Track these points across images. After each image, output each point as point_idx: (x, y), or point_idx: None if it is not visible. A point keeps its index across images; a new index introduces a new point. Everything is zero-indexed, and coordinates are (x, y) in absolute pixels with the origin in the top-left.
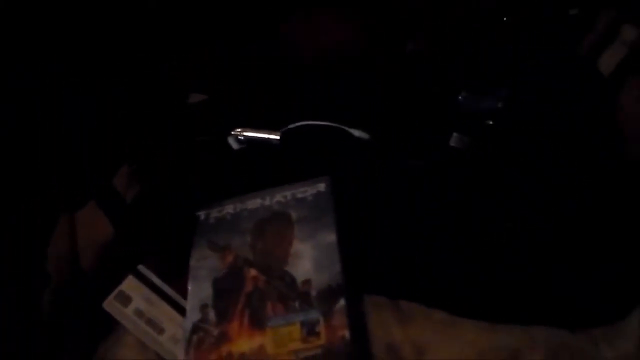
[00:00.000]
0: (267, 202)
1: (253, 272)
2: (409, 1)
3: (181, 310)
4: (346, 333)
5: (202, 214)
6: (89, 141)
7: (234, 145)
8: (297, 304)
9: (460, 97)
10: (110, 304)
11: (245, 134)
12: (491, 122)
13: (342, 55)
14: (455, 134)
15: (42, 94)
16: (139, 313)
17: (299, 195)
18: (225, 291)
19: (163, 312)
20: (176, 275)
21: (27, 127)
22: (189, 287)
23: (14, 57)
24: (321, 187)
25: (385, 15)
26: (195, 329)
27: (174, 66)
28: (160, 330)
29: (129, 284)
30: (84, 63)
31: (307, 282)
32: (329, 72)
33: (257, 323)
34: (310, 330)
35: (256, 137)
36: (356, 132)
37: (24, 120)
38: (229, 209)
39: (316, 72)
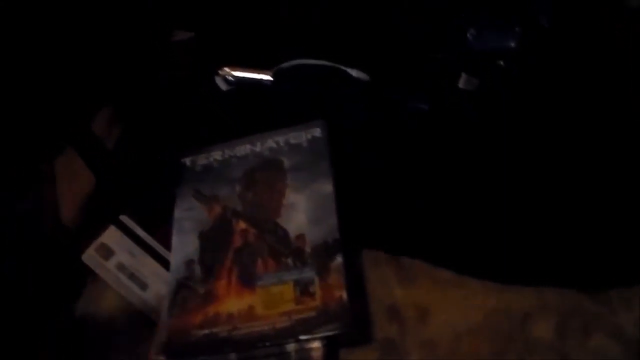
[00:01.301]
0: (257, 148)
1: (242, 224)
2: None
3: (167, 265)
4: (343, 294)
5: (187, 161)
6: (63, 79)
7: (222, 86)
8: (290, 260)
9: (468, 35)
10: (89, 257)
11: (234, 73)
12: (502, 63)
13: None
14: (463, 75)
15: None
16: (121, 267)
17: (293, 141)
18: (212, 245)
19: (147, 266)
20: (161, 226)
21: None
22: (173, 241)
23: None
24: (316, 131)
25: None
26: (180, 286)
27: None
28: (144, 286)
29: (111, 236)
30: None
31: (300, 236)
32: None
33: (247, 281)
34: (303, 290)
35: (246, 77)
36: (354, 72)
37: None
38: (217, 155)
39: (310, 6)
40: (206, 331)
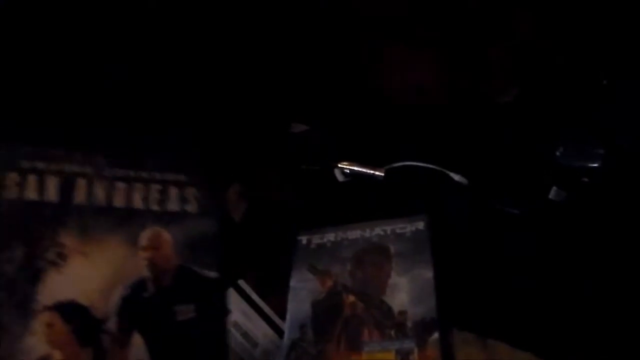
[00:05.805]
0: (367, 233)
1: (351, 298)
2: (505, 56)
3: (275, 327)
4: None
5: (303, 239)
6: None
7: (340, 177)
8: (392, 332)
9: (557, 152)
10: None
11: (351, 167)
12: (587, 180)
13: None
14: (554, 188)
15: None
16: (236, 325)
17: (398, 231)
18: (324, 313)
19: (258, 327)
20: (273, 293)
21: None
22: (289, 307)
23: None
24: (420, 224)
25: (482, 67)
26: (294, 346)
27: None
28: (255, 344)
29: (230, 297)
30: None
31: (403, 313)
32: (432, 115)
33: (354, 346)
34: (404, 358)
35: (361, 171)
36: (456, 176)
37: None
38: (330, 236)
39: (422, 116)
40: None
